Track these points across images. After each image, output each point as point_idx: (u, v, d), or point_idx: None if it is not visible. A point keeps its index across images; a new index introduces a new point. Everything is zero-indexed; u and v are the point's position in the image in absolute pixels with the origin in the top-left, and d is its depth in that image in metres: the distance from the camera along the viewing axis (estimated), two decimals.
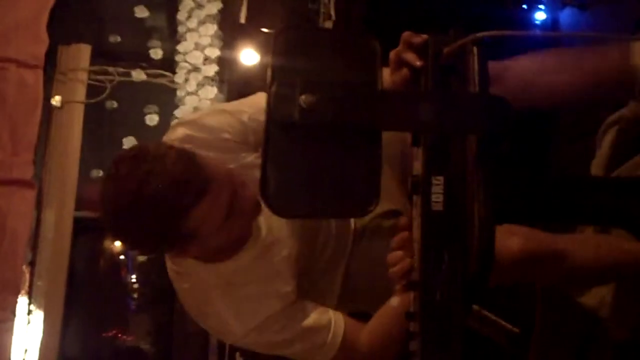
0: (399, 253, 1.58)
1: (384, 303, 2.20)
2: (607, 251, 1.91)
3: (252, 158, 2.18)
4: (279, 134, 1.20)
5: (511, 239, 1.62)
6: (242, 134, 2.20)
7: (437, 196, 1.29)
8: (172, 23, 6.01)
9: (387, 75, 1.66)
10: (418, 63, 1.50)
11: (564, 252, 1.82)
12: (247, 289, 2.20)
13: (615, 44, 2.12)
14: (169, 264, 2.29)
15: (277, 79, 1.23)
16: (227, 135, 2.19)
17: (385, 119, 1.23)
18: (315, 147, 1.21)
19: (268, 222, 2.19)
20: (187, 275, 2.24)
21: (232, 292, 2.20)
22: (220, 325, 2.27)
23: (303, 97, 1.18)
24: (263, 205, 1.17)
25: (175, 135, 2.22)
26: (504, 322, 2.39)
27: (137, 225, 1.93)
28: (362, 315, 2.37)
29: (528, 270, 1.72)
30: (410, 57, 1.55)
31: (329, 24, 4.03)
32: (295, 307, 2.25)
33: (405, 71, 1.61)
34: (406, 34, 1.61)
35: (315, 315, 2.25)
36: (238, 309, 2.21)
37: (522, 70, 2.15)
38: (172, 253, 2.13)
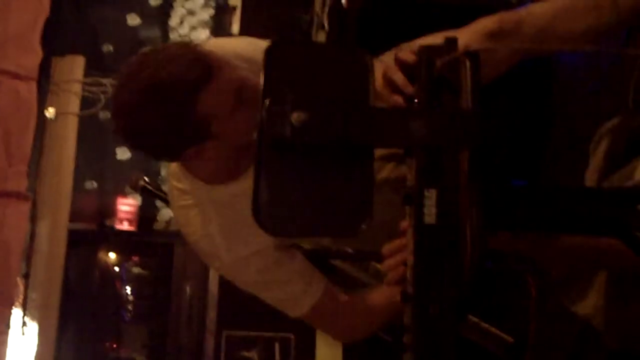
0: (392, 261, 1.59)
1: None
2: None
3: None
4: (271, 151, 1.20)
5: None
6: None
7: (430, 209, 1.29)
8: (165, 30, 6.02)
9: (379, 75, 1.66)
10: (408, 89, 1.50)
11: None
12: (245, 215, 2.18)
13: None
14: (172, 181, 2.30)
15: (269, 96, 1.23)
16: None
17: (377, 136, 1.23)
18: (308, 165, 1.21)
19: None
20: (188, 194, 2.24)
21: (229, 216, 2.20)
22: (210, 248, 2.26)
23: (295, 114, 1.18)
24: None
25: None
26: (498, 332, 2.40)
27: (154, 115, 1.94)
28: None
29: (514, 242, 1.73)
30: (401, 80, 1.55)
31: (322, 35, 4.03)
32: (284, 253, 2.26)
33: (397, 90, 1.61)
34: (399, 53, 1.60)
35: (301, 266, 2.28)
36: (230, 234, 2.21)
37: (537, 19, 2.16)
38: (190, 152, 2.08)
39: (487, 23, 2.17)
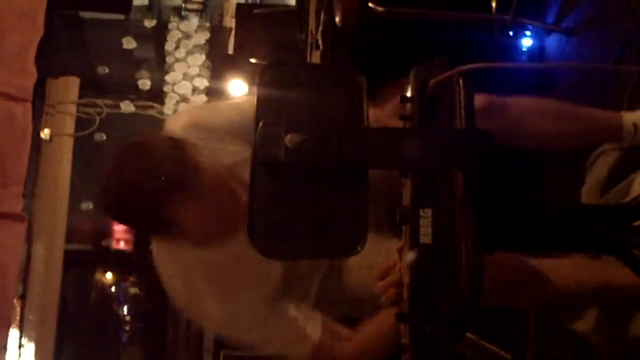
0: (385, 282, 1.58)
1: (362, 308, 2.20)
2: (588, 276, 1.93)
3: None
4: (265, 173, 1.20)
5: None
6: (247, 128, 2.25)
7: (425, 229, 1.28)
8: (160, 54, 6.03)
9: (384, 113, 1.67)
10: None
11: (542, 278, 1.85)
12: (234, 277, 2.21)
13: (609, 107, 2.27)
14: (155, 245, 2.32)
15: (263, 118, 1.23)
16: (231, 126, 2.24)
17: (371, 158, 1.23)
18: (302, 187, 1.21)
19: None
20: (176, 262, 2.26)
21: (218, 280, 2.22)
22: (199, 312, 2.29)
23: (289, 136, 1.18)
24: None
25: (180, 121, 2.27)
26: (496, 349, 2.39)
27: (126, 215, 2.10)
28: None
29: (506, 297, 1.73)
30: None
31: (316, 54, 4.03)
32: (275, 304, 2.25)
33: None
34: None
35: (293, 314, 2.26)
36: (220, 293, 2.22)
37: (522, 110, 2.23)
38: (158, 237, 2.20)
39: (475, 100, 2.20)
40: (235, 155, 2.20)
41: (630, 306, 2.13)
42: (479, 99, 2.18)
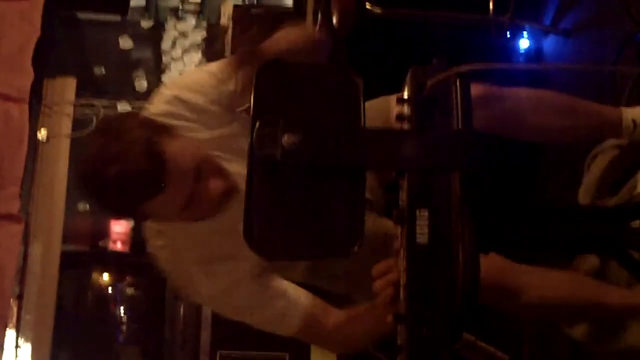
0: (381, 282, 1.58)
1: (358, 283, 2.20)
2: (577, 292, 1.95)
3: (233, 127, 2.25)
4: (262, 173, 1.20)
5: None
6: (224, 95, 2.28)
7: (422, 229, 1.29)
8: (157, 54, 6.02)
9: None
10: None
11: (523, 287, 1.86)
12: (222, 249, 2.22)
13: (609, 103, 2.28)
14: (149, 223, 2.33)
15: (260, 117, 1.23)
16: (210, 96, 2.27)
17: (367, 158, 1.23)
18: (299, 187, 1.21)
19: None
20: (164, 233, 2.27)
21: (206, 252, 2.25)
22: (189, 284, 2.30)
23: (285, 136, 1.19)
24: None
25: (161, 98, 2.33)
26: (493, 349, 2.39)
27: (99, 196, 2.09)
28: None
29: (487, 296, 1.75)
30: None
31: None
32: (263, 277, 2.28)
33: None
34: None
35: (282, 287, 2.29)
36: (209, 269, 2.24)
37: (520, 101, 2.24)
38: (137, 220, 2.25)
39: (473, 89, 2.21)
40: (219, 127, 2.23)
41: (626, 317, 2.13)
42: (477, 88, 2.21)
